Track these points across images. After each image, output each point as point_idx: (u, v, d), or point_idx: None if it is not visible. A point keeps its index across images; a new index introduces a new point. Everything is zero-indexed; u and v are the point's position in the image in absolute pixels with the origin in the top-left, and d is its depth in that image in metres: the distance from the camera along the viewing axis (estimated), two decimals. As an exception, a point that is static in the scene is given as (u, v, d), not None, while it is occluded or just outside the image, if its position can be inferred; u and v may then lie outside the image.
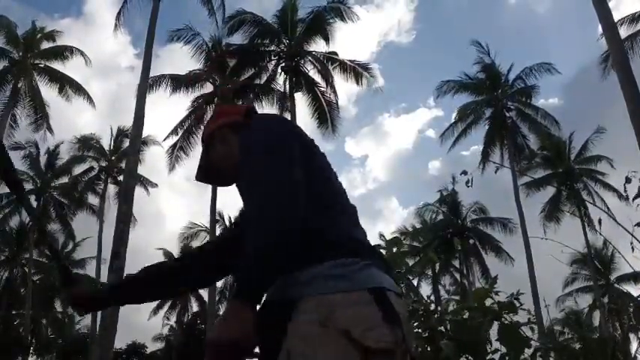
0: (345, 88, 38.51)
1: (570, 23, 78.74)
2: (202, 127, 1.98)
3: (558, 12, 76.91)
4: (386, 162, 77.33)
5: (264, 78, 23.42)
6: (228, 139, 1.74)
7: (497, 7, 77.55)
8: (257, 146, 1.47)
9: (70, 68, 26.61)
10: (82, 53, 25.79)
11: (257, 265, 1.26)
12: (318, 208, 1.43)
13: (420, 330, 3.66)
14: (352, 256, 1.37)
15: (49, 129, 25.97)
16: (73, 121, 57.73)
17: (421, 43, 75.92)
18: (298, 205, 1.33)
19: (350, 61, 22.99)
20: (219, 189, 24.41)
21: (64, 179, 31.49)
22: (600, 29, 14.80)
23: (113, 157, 30.68)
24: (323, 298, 1.30)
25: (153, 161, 63.22)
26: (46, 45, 26.28)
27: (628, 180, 4.29)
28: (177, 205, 64.97)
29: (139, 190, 30.14)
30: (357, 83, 22.92)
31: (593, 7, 13.86)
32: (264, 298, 1.31)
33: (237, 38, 23.66)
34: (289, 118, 20.03)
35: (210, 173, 1.82)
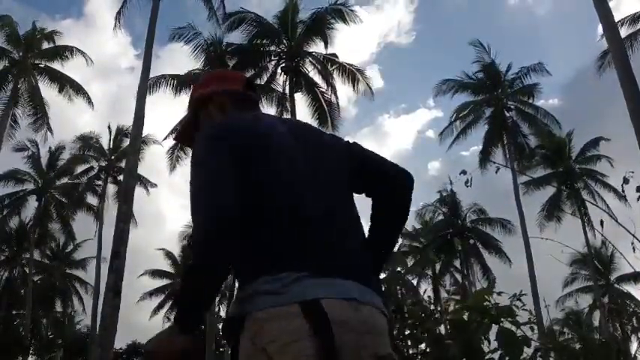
0: (345, 89, 38.74)
1: (569, 25, 79.20)
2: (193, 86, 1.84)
3: (557, 14, 77.29)
4: (386, 163, 77.32)
5: (265, 78, 23.38)
6: (226, 108, 1.68)
7: (496, 8, 77.81)
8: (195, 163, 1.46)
9: (71, 69, 26.61)
10: (82, 53, 25.76)
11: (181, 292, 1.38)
12: (257, 222, 1.40)
13: (415, 331, 3.68)
14: (289, 270, 1.33)
15: (49, 129, 25.93)
16: (74, 122, 57.97)
17: (421, 44, 76.26)
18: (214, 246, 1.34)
19: (348, 64, 23.01)
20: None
21: (65, 179, 31.49)
22: (599, 29, 14.81)
23: (113, 157, 30.64)
24: (255, 315, 1.30)
25: (153, 161, 63.48)
26: (46, 45, 26.26)
27: (626, 181, 4.28)
28: (177, 206, 65.16)
29: (138, 190, 30.15)
30: (354, 88, 22.94)
31: (591, 9, 13.82)
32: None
33: (237, 37, 23.67)
34: (291, 116, 19.96)
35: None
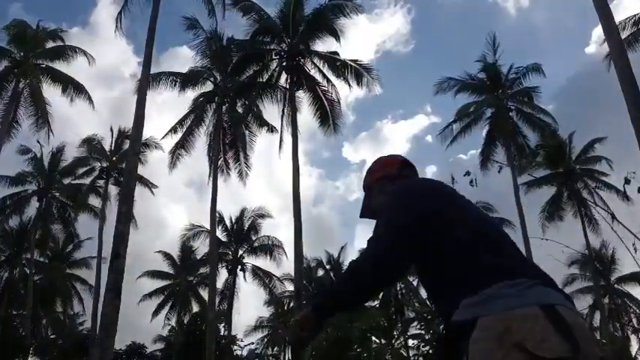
0: (343, 94, 37.84)
1: (561, 36, 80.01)
2: (364, 174, 2.34)
3: (552, 23, 78.21)
4: (383, 168, 77.73)
5: (266, 76, 23.37)
6: (385, 190, 2.06)
7: (493, 18, 78.20)
8: (382, 213, 1.85)
9: (74, 74, 26.36)
10: (84, 53, 25.63)
11: (335, 290, 1.84)
12: (470, 245, 1.70)
13: (423, 332, 3.66)
14: (524, 277, 1.58)
15: (50, 129, 25.83)
16: (79, 127, 58.35)
17: (419, 52, 76.94)
18: (373, 272, 1.74)
19: (352, 61, 22.89)
20: (219, 191, 24.47)
21: (67, 180, 31.48)
22: (593, 36, 14.77)
23: (114, 158, 30.63)
24: (497, 316, 1.51)
25: (154, 166, 63.65)
26: (49, 45, 26.13)
27: (627, 181, 4.28)
28: (177, 210, 65.35)
29: (142, 194, 30.24)
30: (358, 84, 22.82)
31: (582, 19, 13.77)
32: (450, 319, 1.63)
33: (240, 33, 23.80)
34: (292, 115, 19.81)
35: (369, 214, 2.17)
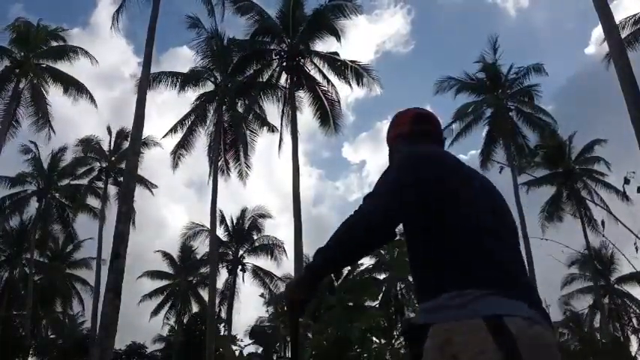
0: (343, 94, 37.45)
1: (560, 37, 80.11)
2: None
3: (551, 25, 78.37)
4: (383, 168, 77.73)
5: (266, 76, 23.38)
6: (397, 149, 2.09)
7: (493, 20, 78.29)
8: (391, 171, 1.81)
9: (74, 73, 26.30)
10: (86, 53, 25.57)
11: (329, 250, 1.71)
12: (444, 245, 1.64)
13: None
14: (473, 287, 1.54)
15: (52, 129, 25.79)
16: (80, 127, 58.33)
17: (419, 52, 76.98)
18: (361, 233, 1.67)
19: (351, 61, 22.92)
20: (219, 191, 24.43)
21: (66, 180, 31.48)
22: (592, 36, 14.75)
23: (113, 158, 30.62)
24: (441, 326, 1.52)
25: (154, 166, 63.56)
26: (50, 44, 26.08)
27: (627, 181, 4.27)
28: (177, 210, 65.37)
29: (142, 194, 30.22)
30: (358, 84, 22.86)
31: (582, 23, 13.77)
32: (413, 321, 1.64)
33: (240, 33, 23.81)
34: (292, 115, 19.81)
35: None
